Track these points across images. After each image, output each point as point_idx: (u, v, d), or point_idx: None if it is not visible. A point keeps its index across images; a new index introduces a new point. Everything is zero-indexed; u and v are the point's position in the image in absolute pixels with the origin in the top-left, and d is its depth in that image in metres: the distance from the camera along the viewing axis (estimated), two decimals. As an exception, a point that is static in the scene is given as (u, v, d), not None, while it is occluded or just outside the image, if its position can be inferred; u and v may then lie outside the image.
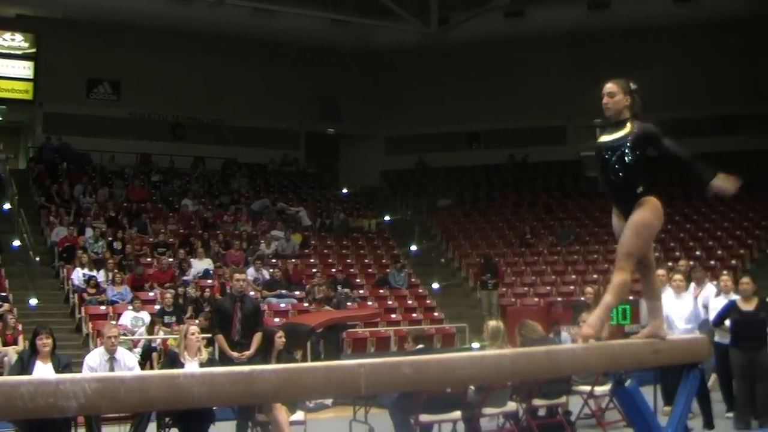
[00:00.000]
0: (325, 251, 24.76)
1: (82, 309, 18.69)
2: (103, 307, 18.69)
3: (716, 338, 10.63)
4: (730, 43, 27.56)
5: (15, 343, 15.63)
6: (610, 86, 6.22)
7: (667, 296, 11.01)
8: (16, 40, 27.16)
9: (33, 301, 19.58)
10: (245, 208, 26.02)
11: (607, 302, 5.89)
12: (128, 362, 9.77)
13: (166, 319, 17.79)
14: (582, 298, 14.04)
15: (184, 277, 20.31)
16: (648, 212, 5.92)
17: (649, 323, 6.23)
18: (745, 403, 10.42)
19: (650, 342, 6.61)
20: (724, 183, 6.09)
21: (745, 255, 23.35)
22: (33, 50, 27.29)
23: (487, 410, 9.84)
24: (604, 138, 6.13)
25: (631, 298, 18.85)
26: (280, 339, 10.11)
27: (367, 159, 31.68)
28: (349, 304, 20.28)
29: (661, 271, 12.71)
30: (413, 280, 23.95)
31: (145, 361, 15.79)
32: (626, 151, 5.97)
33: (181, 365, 9.49)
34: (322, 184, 30.29)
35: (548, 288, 23.30)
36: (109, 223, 22.80)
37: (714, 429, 10.26)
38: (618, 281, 5.86)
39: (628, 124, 6.05)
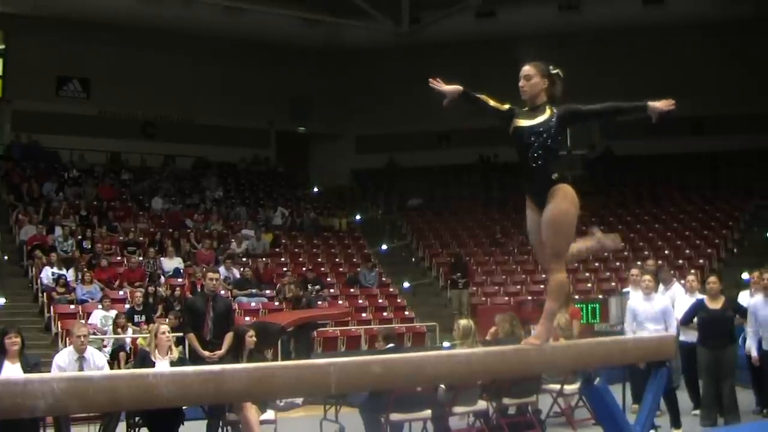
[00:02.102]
0: (296, 250, 24.74)
1: (51, 308, 18.54)
2: (72, 306, 18.56)
3: (682, 337, 10.74)
4: (698, 45, 27.79)
5: (-17, 342, 15.48)
6: (527, 69, 6.07)
7: (637, 297, 11.13)
8: (-15, 38, 26.93)
9: (1, 301, 19.42)
10: (215, 206, 25.94)
11: (548, 309, 5.74)
12: (98, 362, 9.72)
13: (136, 318, 17.69)
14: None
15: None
16: (563, 203, 5.71)
17: (538, 327, 5.88)
18: (712, 401, 10.54)
19: (618, 340, 6.68)
20: (659, 103, 6.24)
21: (712, 254, 23.56)
22: (1, 47, 27.05)
23: (458, 409, 9.88)
24: (524, 122, 5.86)
25: (600, 296, 19.09)
26: (250, 338, 10.10)
27: (337, 158, 31.66)
28: (319, 303, 20.27)
29: (634, 271, 12.87)
30: (384, 279, 23.98)
31: (112, 360, 15.69)
32: (551, 135, 5.79)
33: (152, 364, 9.46)
34: (292, 183, 30.25)
35: (518, 287, 23.41)
36: (78, 222, 22.65)
37: (681, 427, 10.35)
38: (554, 284, 5.75)
39: (548, 109, 5.89)
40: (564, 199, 5.70)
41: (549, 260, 5.76)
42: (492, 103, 6.10)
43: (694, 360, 10.65)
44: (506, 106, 6.05)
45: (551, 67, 6.12)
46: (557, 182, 5.74)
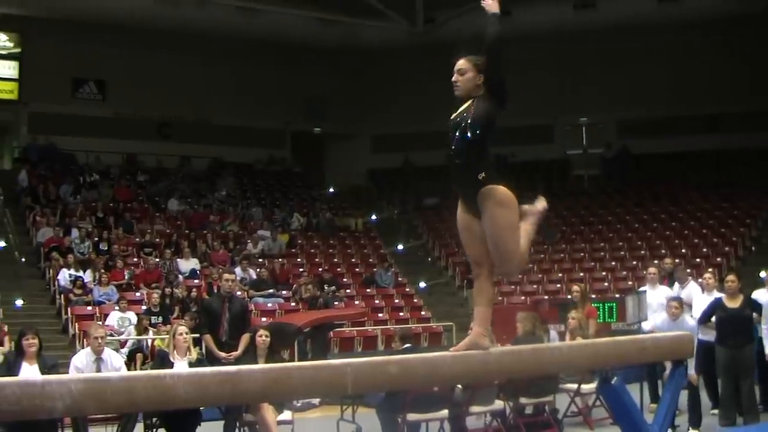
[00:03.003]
0: (312, 251, 24.75)
1: (69, 310, 18.63)
2: (89, 308, 18.63)
3: (700, 336, 10.68)
4: (712, 42, 27.65)
5: (1, 344, 15.55)
6: (460, 63, 5.53)
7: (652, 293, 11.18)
8: (1, 40, 26.98)
9: (19, 302, 19.51)
10: (230, 207, 25.99)
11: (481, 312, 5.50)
12: (115, 363, 9.75)
13: (153, 319, 17.75)
14: (569, 297, 14.07)
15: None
16: (503, 209, 5.24)
17: (471, 330, 5.51)
18: (730, 400, 10.48)
19: (636, 339, 6.64)
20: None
21: (729, 252, 23.44)
22: (18, 50, 27.12)
23: (474, 409, 9.87)
24: (453, 116, 5.45)
25: (617, 295, 19.00)
26: (260, 338, 10.08)
27: (353, 158, 31.64)
28: (336, 303, 20.27)
29: (652, 269, 12.84)
30: (400, 279, 23.97)
31: (129, 361, 15.75)
32: (467, 126, 5.27)
33: (171, 365, 9.49)
34: (308, 184, 30.25)
35: (534, 286, 23.34)
36: (95, 224, 22.73)
37: (699, 427, 10.30)
38: (486, 290, 5.55)
39: (471, 100, 5.38)
40: (497, 205, 5.23)
41: (509, 273, 5.73)
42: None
43: (712, 359, 10.58)
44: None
45: None
46: (485, 183, 5.24)
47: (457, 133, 5.29)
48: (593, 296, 18.21)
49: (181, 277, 20.64)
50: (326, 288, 21.13)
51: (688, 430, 10.24)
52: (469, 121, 5.26)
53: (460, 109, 5.39)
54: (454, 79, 5.48)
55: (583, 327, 11.41)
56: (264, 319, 18.34)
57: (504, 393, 10.08)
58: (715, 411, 10.90)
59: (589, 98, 28.99)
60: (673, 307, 10.56)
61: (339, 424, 10.69)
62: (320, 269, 23.12)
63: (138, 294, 19.66)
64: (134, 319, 17.67)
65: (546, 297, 21.36)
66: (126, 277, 20.19)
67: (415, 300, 22.94)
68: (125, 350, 16.43)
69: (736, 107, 27.26)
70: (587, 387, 10.83)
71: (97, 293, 19.13)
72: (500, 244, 5.23)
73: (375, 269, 23.82)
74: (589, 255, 24.56)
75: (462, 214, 5.43)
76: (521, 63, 29.11)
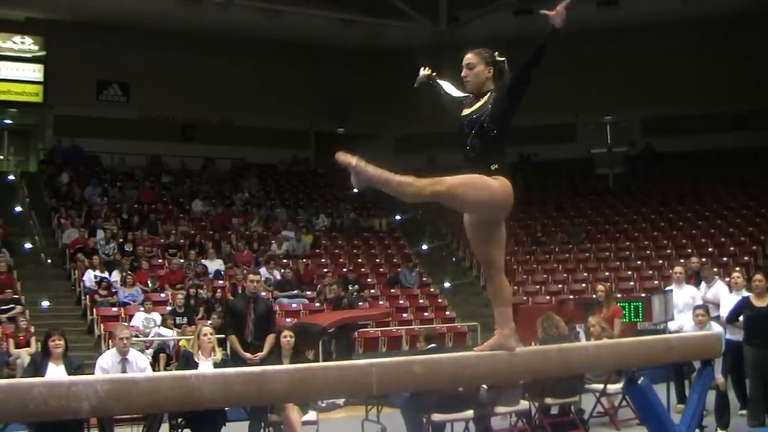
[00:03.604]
0: (336, 251, 24.76)
1: (94, 311, 18.75)
2: (114, 309, 18.73)
3: (728, 335, 10.60)
4: (739, 39, 27.44)
5: (27, 345, 15.69)
6: (469, 57, 5.51)
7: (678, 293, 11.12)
8: (26, 43, 27.21)
9: (45, 303, 19.65)
10: (254, 208, 26.05)
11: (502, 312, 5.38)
12: (140, 363, 9.79)
13: (178, 320, 17.82)
14: (594, 296, 14.00)
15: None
16: (492, 187, 5.23)
17: (496, 332, 5.39)
18: (759, 400, 10.38)
19: (662, 339, 6.59)
20: (555, 11, 5.68)
21: (757, 251, 23.23)
22: (43, 53, 27.33)
23: (500, 409, 9.83)
24: (465, 111, 5.49)
25: (643, 295, 18.90)
26: (285, 339, 10.07)
27: (376, 158, 30.92)
28: (360, 303, 20.28)
29: (678, 269, 12.78)
30: (424, 279, 23.94)
31: (154, 362, 15.82)
32: (486, 122, 5.34)
33: (196, 366, 9.51)
34: (332, 184, 30.27)
35: (559, 286, 23.25)
36: (120, 225, 22.85)
37: (728, 428, 10.22)
38: (502, 289, 5.40)
39: (487, 95, 5.40)
40: (492, 181, 5.23)
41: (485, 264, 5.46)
42: (451, 91, 5.81)
43: (740, 359, 10.49)
44: (463, 95, 5.66)
45: (496, 54, 5.57)
46: (496, 174, 5.27)
47: (469, 128, 5.38)
48: (618, 296, 18.12)
49: (209, 275, 20.78)
50: (350, 288, 21.12)
51: (716, 430, 10.16)
52: (488, 119, 5.30)
53: (476, 105, 5.38)
54: (463, 74, 5.47)
55: (605, 329, 11.33)
56: (288, 319, 18.37)
57: (529, 393, 10.03)
58: (744, 411, 10.81)
59: (612, 96, 28.85)
60: (699, 315, 10.48)
61: (364, 425, 10.68)
62: (344, 269, 23.13)
63: (163, 295, 19.75)
64: (159, 319, 17.76)
65: (571, 297, 21.26)
66: (149, 285, 20.27)
67: (440, 300, 22.91)
68: (150, 351, 16.51)
69: (762, 104, 27.02)
70: (613, 387, 10.77)
71: (123, 294, 19.23)
72: (455, 187, 5.23)
73: (399, 269, 23.81)
74: (615, 254, 24.43)
75: (467, 215, 5.46)
76: (544, 61, 28.99)
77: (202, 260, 21.40)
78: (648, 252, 24.21)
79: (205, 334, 9.91)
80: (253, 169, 29.00)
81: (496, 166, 5.26)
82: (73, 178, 24.87)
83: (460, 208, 5.38)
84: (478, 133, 5.33)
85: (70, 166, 25.51)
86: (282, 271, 21.53)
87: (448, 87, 5.83)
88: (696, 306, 11.04)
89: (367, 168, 5.40)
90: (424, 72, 5.93)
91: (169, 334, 17.44)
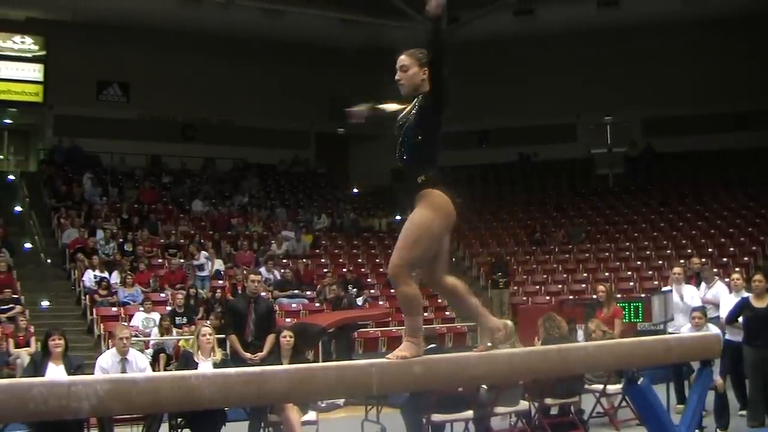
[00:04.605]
0: (336, 251, 24.77)
1: (94, 311, 18.75)
2: (114, 309, 18.74)
3: (728, 336, 10.59)
4: (739, 39, 27.46)
5: (27, 345, 15.68)
6: (402, 59, 5.18)
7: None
8: (26, 43, 27.22)
9: (45, 303, 19.66)
10: (254, 209, 26.06)
11: (409, 325, 4.96)
12: (140, 363, 9.79)
13: (177, 320, 17.82)
14: (594, 296, 14.00)
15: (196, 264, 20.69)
16: (427, 210, 4.91)
17: (404, 344, 4.91)
18: (759, 401, 10.38)
19: (662, 339, 6.59)
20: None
21: (757, 252, 23.25)
22: (43, 53, 27.35)
23: (500, 409, 9.83)
24: (400, 116, 5.21)
25: (642, 295, 18.89)
26: (285, 339, 10.07)
27: (377, 158, 31.53)
28: (360, 303, 20.27)
29: (677, 269, 12.78)
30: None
31: (153, 362, 15.82)
32: (410, 128, 5.01)
33: (195, 366, 9.52)
34: (332, 184, 30.29)
35: (559, 286, 23.27)
36: (120, 225, 22.86)
37: (727, 428, 10.22)
38: (403, 298, 4.95)
39: (415, 100, 5.09)
40: (427, 205, 4.91)
41: (394, 268, 4.94)
42: (391, 107, 5.49)
43: (739, 359, 10.49)
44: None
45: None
46: (423, 186, 4.95)
47: (398, 133, 5.09)
48: (619, 296, 18.12)
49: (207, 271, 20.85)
50: (350, 288, 21.13)
51: (716, 431, 10.16)
52: (412, 125, 5.01)
53: (406, 110, 5.13)
54: (397, 77, 5.18)
55: (606, 332, 11.35)
56: (288, 319, 18.37)
57: (529, 393, 10.03)
58: (743, 412, 10.81)
59: (613, 97, 28.87)
60: (696, 318, 10.48)
61: (363, 425, 10.67)
62: (344, 270, 23.13)
63: (163, 295, 19.76)
64: (158, 320, 17.76)
65: (571, 297, 21.26)
66: (150, 285, 20.26)
67: (440, 300, 22.86)
68: (150, 351, 16.50)
69: (762, 104, 27.04)
70: (613, 388, 10.76)
71: (122, 294, 19.23)
72: (405, 233, 4.88)
73: (399, 269, 23.77)
74: (615, 255, 24.44)
75: (404, 217, 5.09)
76: (544, 62, 29.10)
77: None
78: (648, 252, 24.21)
79: (204, 335, 9.91)
80: (254, 169, 29.01)
81: (423, 178, 4.95)
82: (71, 178, 24.90)
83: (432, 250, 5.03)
84: (403, 141, 5.04)
85: (70, 166, 25.54)
86: (282, 271, 21.53)
87: (393, 105, 5.49)
88: (693, 308, 11.04)
89: None
90: (360, 108, 5.59)
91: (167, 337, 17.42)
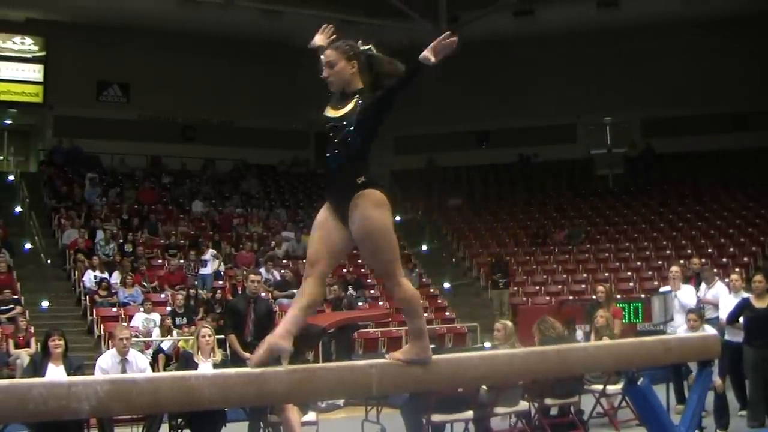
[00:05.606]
0: (336, 252, 24.72)
1: (94, 311, 18.75)
2: (114, 309, 18.73)
3: (728, 336, 10.59)
4: (739, 40, 27.46)
5: (27, 345, 15.69)
6: (327, 54, 5.05)
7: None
8: (26, 44, 27.23)
9: (45, 304, 19.66)
10: (254, 209, 26.06)
11: (415, 328, 4.83)
12: (140, 364, 9.79)
13: (177, 320, 17.82)
14: (594, 297, 14.00)
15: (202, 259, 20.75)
16: (373, 211, 4.76)
17: (408, 346, 4.87)
18: (759, 401, 10.38)
19: (662, 339, 6.59)
20: (436, 47, 4.95)
21: (757, 252, 23.25)
22: (43, 53, 27.35)
23: (499, 409, 9.82)
24: (329, 113, 4.97)
25: (642, 296, 18.90)
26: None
27: (376, 159, 31.01)
28: (360, 304, 20.28)
29: (674, 268, 12.77)
30: (424, 279, 23.92)
31: (153, 362, 15.81)
32: (351, 130, 4.83)
33: (195, 366, 9.51)
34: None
35: (559, 287, 23.27)
36: (120, 226, 22.85)
37: (727, 428, 10.21)
38: (405, 301, 4.81)
39: (355, 99, 4.89)
40: (373, 206, 4.76)
41: (384, 279, 4.88)
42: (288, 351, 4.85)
43: (739, 359, 10.48)
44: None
45: (360, 43, 5.07)
46: (364, 187, 4.79)
47: (337, 138, 4.83)
48: (618, 297, 18.13)
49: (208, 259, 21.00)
50: (350, 289, 21.13)
51: (716, 431, 10.16)
52: (352, 129, 4.83)
53: (344, 110, 4.89)
54: (324, 74, 5.00)
55: (610, 326, 11.39)
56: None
57: (529, 394, 10.03)
58: (743, 412, 10.80)
59: (612, 97, 28.89)
60: (692, 320, 10.46)
61: (363, 425, 10.67)
62: (344, 270, 23.11)
63: (163, 296, 19.76)
64: (159, 320, 17.76)
65: (571, 297, 21.26)
66: (148, 283, 20.28)
67: (440, 301, 22.91)
68: (150, 351, 16.51)
69: (762, 105, 27.06)
70: (613, 388, 10.76)
71: (122, 295, 19.23)
72: (372, 244, 4.75)
73: (399, 270, 23.77)
74: (614, 255, 24.44)
75: (324, 213, 4.89)
76: (544, 62, 29.11)
77: (203, 258, 21.40)
78: (648, 253, 24.21)
79: (204, 336, 9.91)
80: (254, 169, 29.02)
81: (363, 179, 4.80)
82: (71, 178, 24.90)
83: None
84: (341, 143, 4.83)
85: (70, 167, 25.55)
86: (282, 271, 21.53)
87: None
88: (688, 310, 11.03)
89: None
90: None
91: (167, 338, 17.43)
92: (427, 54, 4.92)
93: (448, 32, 4.96)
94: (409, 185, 30.69)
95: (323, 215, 4.89)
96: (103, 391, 4.04)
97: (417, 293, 4.95)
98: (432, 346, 10.00)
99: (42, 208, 23.77)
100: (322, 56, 5.15)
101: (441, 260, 26.31)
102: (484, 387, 9.34)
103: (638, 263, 23.70)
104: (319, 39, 5.64)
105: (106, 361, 9.71)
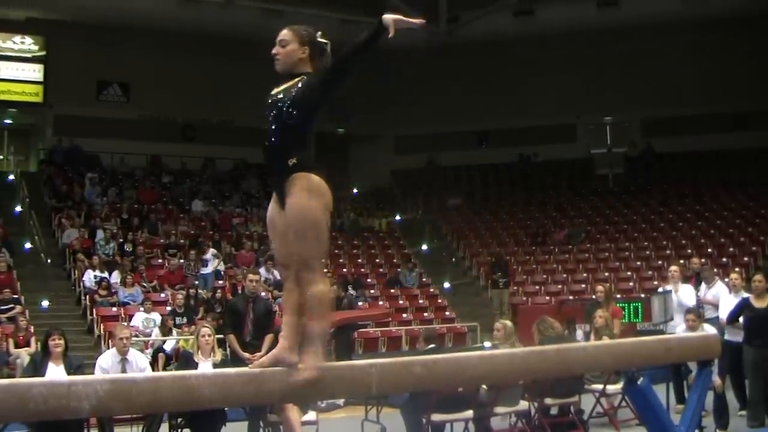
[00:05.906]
0: (336, 251, 24.73)
1: (94, 311, 18.75)
2: (114, 309, 18.74)
3: (728, 336, 10.59)
4: (739, 39, 27.45)
5: (27, 345, 15.69)
6: (283, 33, 4.77)
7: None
8: (26, 43, 27.20)
9: (45, 303, 19.66)
10: (254, 209, 26.06)
11: (313, 331, 4.51)
12: (140, 363, 9.79)
13: (177, 320, 17.83)
14: (593, 297, 14.00)
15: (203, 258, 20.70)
16: (304, 197, 4.51)
17: (305, 357, 4.50)
18: (759, 401, 10.37)
19: (661, 339, 6.58)
20: (399, 21, 4.76)
21: (757, 252, 23.26)
22: (43, 53, 27.33)
23: (499, 409, 9.82)
24: (273, 92, 4.79)
25: (642, 295, 18.89)
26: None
27: (376, 159, 31.64)
28: (360, 303, 20.27)
29: (673, 267, 12.77)
30: (424, 279, 23.94)
31: (152, 362, 15.80)
32: (286, 108, 4.62)
33: (195, 366, 9.52)
34: (332, 184, 30.18)
35: (559, 286, 23.28)
36: (120, 225, 22.85)
37: (727, 428, 10.21)
38: (313, 299, 4.50)
39: (299, 78, 4.70)
40: (304, 191, 4.52)
41: (305, 271, 4.52)
42: None
43: (739, 359, 10.48)
44: None
45: (319, 35, 4.87)
46: (296, 170, 4.55)
47: (273, 113, 4.66)
48: (618, 296, 18.13)
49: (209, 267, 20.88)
50: (350, 288, 21.12)
51: (716, 431, 10.15)
52: (288, 103, 4.62)
53: (284, 86, 4.71)
54: (274, 51, 4.76)
55: (609, 326, 11.39)
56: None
57: (529, 393, 10.03)
58: (743, 412, 10.79)
59: (612, 97, 28.89)
60: (690, 319, 10.45)
61: (363, 425, 10.67)
62: (344, 270, 23.13)
63: (163, 295, 19.76)
64: (159, 320, 17.76)
65: (571, 297, 21.26)
66: (148, 283, 20.28)
67: (440, 300, 22.92)
68: (150, 351, 16.51)
69: (762, 104, 27.07)
70: (613, 387, 10.76)
71: (122, 294, 19.23)
72: (295, 232, 4.49)
73: (399, 270, 23.81)
74: (614, 255, 24.44)
75: (272, 206, 4.70)
76: (544, 62, 29.10)
77: (204, 257, 21.40)
78: (648, 252, 24.22)
79: (204, 335, 9.91)
80: (254, 169, 29.01)
81: (295, 161, 4.55)
82: (71, 178, 24.90)
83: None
84: (275, 118, 4.64)
85: (70, 166, 25.54)
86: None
87: None
88: (687, 309, 11.02)
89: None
90: None
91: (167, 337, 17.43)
92: (388, 21, 4.75)
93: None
94: (409, 185, 30.75)
95: (270, 212, 4.71)
96: (103, 391, 4.04)
97: (331, 297, 4.77)
98: (432, 345, 10.05)
99: (42, 208, 23.76)
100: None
101: (441, 260, 26.33)
102: (484, 387, 9.34)
103: (638, 263, 23.70)
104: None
105: (106, 360, 9.71)
